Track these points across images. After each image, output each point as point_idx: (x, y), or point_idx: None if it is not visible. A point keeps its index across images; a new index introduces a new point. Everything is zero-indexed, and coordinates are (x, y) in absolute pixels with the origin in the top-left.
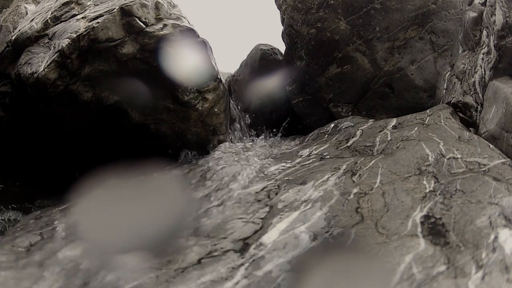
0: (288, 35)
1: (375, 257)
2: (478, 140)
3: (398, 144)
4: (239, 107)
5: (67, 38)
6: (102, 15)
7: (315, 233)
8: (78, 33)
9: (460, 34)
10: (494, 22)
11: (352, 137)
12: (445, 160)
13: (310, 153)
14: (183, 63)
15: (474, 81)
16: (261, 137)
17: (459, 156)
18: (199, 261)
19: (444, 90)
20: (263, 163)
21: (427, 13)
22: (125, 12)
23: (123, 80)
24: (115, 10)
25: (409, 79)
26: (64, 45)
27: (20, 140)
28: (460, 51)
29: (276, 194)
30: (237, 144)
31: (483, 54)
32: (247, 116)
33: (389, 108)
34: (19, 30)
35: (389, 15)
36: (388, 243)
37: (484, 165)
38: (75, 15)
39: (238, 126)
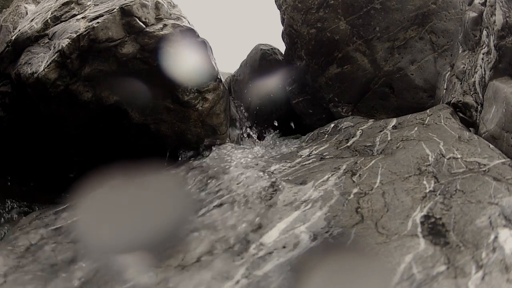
0: (288, 35)
1: (375, 257)
2: (478, 140)
3: (398, 144)
4: (240, 108)
5: (67, 38)
6: (102, 15)
7: (315, 233)
8: (78, 33)
9: (460, 34)
10: (494, 22)
11: (352, 137)
12: (445, 160)
13: (310, 153)
14: (183, 63)
15: (474, 81)
16: (261, 137)
17: (459, 156)
18: (199, 261)
19: (444, 90)
20: (263, 163)
21: (427, 13)
22: (125, 12)
23: (123, 80)
24: (115, 10)
25: (409, 79)
26: (64, 45)
27: (20, 140)
28: (460, 51)
29: (276, 194)
30: (237, 144)
31: (483, 54)
32: (246, 116)
33: (389, 108)
34: (19, 30)
35: (389, 15)
36: (388, 243)
37: (484, 165)
38: (75, 15)
39: (238, 126)
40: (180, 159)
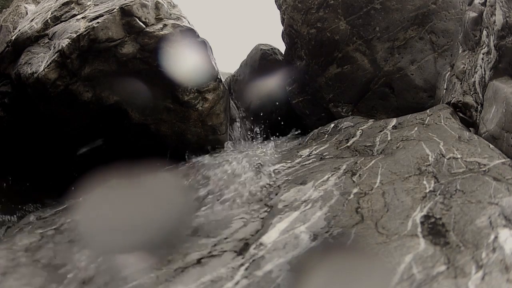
0: (288, 35)
1: (375, 257)
2: (478, 140)
3: (398, 144)
4: (240, 108)
5: (67, 38)
6: (102, 15)
7: (315, 233)
8: (78, 33)
9: (460, 34)
10: (494, 22)
11: (352, 137)
12: (445, 160)
13: (310, 153)
14: (183, 63)
15: (474, 81)
16: (261, 137)
17: (459, 156)
18: (199, 261)
19: (444, 90)
20: (263, 163)
21: (427, 13)
22: (125, 12)
23: (123, 80)
24: (115, 10)
25: (409, 79)
26: (64, 45)
27: (20, 140)
28: (460, 51)
29: (276, 194)
30: (237, 144)
31: (483, 54)
32: (246, 116)
33: (389, 108)
34: (19, 30)
35: (389, 15)
36: (388, 243)
37: (484, 165)
38: (75, 15)
39: (238, 126)
40: (180, 159)
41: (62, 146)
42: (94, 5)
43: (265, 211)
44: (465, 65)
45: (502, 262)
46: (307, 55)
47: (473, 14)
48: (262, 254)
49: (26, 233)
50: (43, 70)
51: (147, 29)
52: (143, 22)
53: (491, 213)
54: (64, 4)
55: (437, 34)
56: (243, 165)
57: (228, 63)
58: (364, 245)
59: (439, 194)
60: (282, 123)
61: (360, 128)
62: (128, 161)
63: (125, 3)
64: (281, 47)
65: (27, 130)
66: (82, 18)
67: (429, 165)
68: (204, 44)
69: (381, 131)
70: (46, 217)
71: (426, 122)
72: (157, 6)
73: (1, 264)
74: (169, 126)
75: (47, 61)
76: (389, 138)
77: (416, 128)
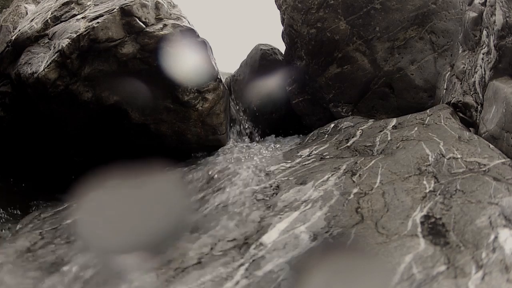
0: (288, 35)
1: (375, 257)
2: (478, 140)
3: (398, 144)
4: (240, 108)
5: (67, 38)
6: (102, 15)
7: (315, 233)
8: (78, 33)
9: (460, 34)
10: (494, 22)
11: (352, 137)
12: (445, 160)
13: (310, 153)
14: (183, 63)
15: (474, 81)
16: (261, 137)
17: (459, 156)
18: (199, 261)
19: (444, 90)
20: (263, 163)
21: (427, 13)
22: (125, 12)
23: (123, 80)
24: (115, 10)
25: (409, 79)
26: (64, 45)
27: (20, 140)
28: (460, 51)
29: (276, 194)
30: (237, 144)
31: (483, 54)
32: (246, 116)
33: (389, 108)
34: (19, 30)
35: (389, 15)
36: (388, 243)
37: (484, 165)
38: (75, 15)
39: (238, 126)
40: (181, 159)
41: (62, 146)
42: (94, 5)
43: (265, 211)
44: (465, 65)
45: (502, 262)
46: (307, 55)
47: (473, 14)
48: (262, 254)
49: (26, 233)
50: (43, 70)
51: (147, 29)
52: (143, 22)
53: (491, 213)
54: (64, 4)
55: (437, 34)
56: (243, 165)
57: (228, 63)
58: (364, 245)
59: (439, 194)
60: (282, 123)
61: (360, 128)
62: (128, 161)
63: (125, 3)
64: (281, 47)
65: (27, 130)
66: (82, 18)
67: (429, 165)
68: (204, 44)
69: (381, 131)
70: (46, 217)
71: (426, 122)
72: (157, 6)
73: (2, 264)
74: (169, 126)
75: (47, 61)
76: (389, 138)
77: (416, 128)
